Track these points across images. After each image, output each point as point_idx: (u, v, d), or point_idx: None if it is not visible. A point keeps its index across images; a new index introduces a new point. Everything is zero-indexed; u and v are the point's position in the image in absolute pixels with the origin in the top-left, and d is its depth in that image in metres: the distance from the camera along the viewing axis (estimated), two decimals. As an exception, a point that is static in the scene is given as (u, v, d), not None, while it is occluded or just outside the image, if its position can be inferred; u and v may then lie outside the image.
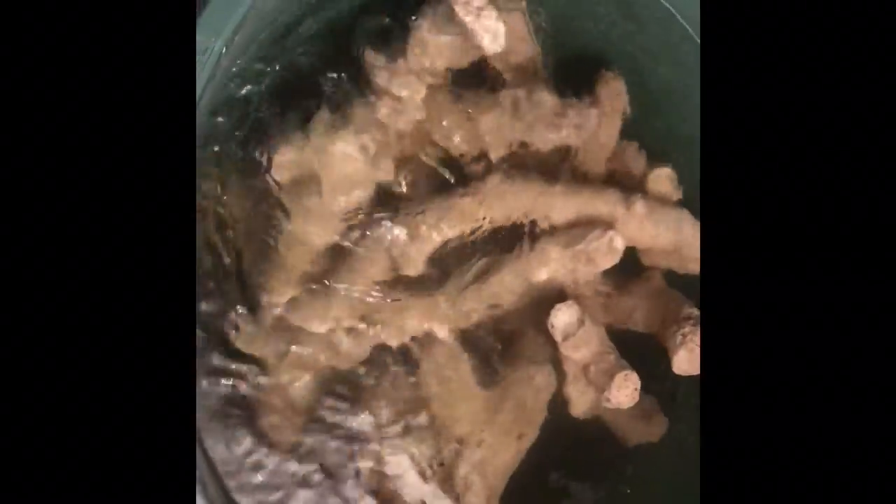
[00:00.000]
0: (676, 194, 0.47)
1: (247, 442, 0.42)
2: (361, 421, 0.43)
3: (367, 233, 0.43)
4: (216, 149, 0.42)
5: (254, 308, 0.43)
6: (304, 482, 0.42)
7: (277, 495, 0.41)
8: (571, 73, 0.48)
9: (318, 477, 0.42)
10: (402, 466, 0.43)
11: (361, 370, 0.44)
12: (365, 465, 0.43)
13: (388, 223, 0.43)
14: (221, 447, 0.41)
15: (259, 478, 0.41)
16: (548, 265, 0.44)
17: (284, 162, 0.42)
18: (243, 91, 0.43)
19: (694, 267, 0.47)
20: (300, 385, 0.43)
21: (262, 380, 0.42)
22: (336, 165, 0.42)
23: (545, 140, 0.45)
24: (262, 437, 0.42)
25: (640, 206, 0.44)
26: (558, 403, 0.45)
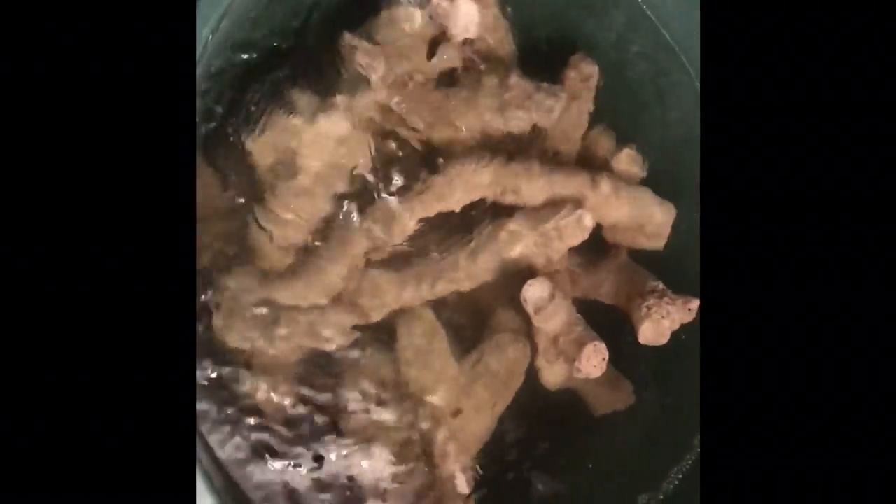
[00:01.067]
0: (641, 173, 0.49)
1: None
2: (341, 395, 0.45)
3: (347, 213, 0.44)
4: (201, 132, 0.42)
5: (233, 292, 0.44)
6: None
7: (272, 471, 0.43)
8: (543, 57, 0.49)
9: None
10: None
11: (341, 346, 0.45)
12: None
13: (365, 204, 0.44)
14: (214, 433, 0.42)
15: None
16: (520, 242, 0.45)
17: (266, 144, 0.43)
18: (228, 76, 0.43)
19: (657, 243, 0.49)
20: (281, 363, 0.44)
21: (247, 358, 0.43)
22: (316, 148, 0.43)
23: (516, 122, 0.46)
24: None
25: (606, 185, 0.46)
26: (529, 374, 0.47)
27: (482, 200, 0.46)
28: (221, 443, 0.42)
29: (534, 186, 0.46)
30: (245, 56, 0.44)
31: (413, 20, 0.42)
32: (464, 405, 0.45)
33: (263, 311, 0.44)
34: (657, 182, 0.49)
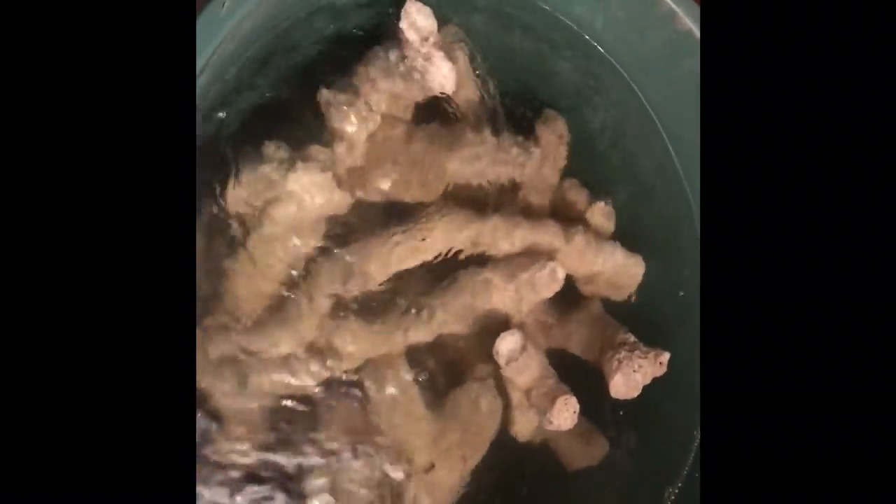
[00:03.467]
0: (612, 227, 0.50)
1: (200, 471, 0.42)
2: (312, 446, 0.44)
3: (321, 264, 0.44)
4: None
5: (205, 339, 0.43)
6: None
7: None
8: (517, 113, 0.50)
9: None
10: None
11: (312, 396, 0.45)
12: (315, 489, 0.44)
13: (340, 255, 0.44)
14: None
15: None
16: (493, 293, 0.45)
17: (242, 194, 0.43)
18: (208, 124, 0.43)
19: (625, 295, 0.50)
20: (252, 413, 0.44)
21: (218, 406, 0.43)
22: (291, 199, 0.42)
23: (490, 176, 0.47)
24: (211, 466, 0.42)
25: (579, 238, 0.47)
26: (502, 426, 0.47)
27: (456, 251, 0.46)
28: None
29: (507, 238, 0.46)
30: (225, 104, 0.44)
31: (389, 77, 0.43)
32: (435, 457, 0.45)
33: (235, 357, 0.43)
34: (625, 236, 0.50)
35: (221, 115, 0.44)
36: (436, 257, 0.46)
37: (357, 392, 0.45)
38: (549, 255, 0.46)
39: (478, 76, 0.49)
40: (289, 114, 0.45)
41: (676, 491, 0.50)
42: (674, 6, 0.49)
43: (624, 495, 0.49)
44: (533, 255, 0.46)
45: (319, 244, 0.44)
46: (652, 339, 0.46)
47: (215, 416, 0.43)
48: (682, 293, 0.52)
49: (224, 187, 0.43)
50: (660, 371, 0.45)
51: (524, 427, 0.47)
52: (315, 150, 0.43)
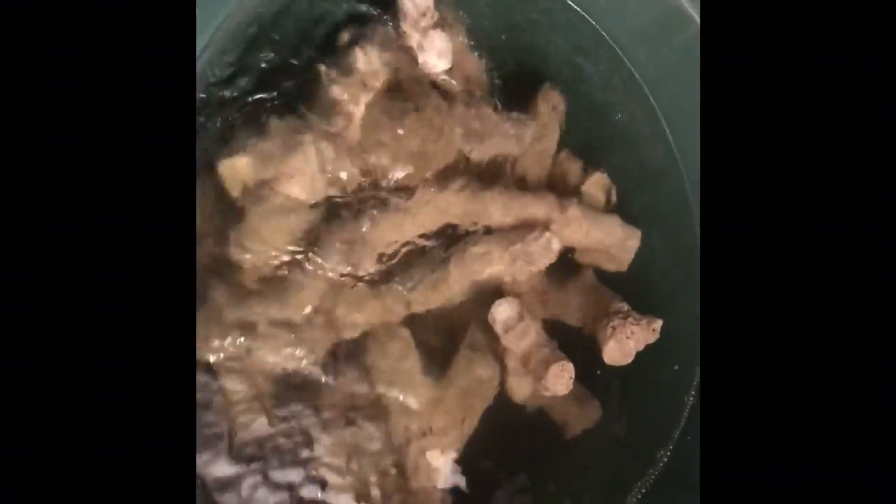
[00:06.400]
0: (609, 198, 0.51)
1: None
2: (313, 413, 0.45)
3: (319, 235, 0.45)
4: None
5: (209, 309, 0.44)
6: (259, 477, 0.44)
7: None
8: (513, 87, 0.51)
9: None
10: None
11: (316, 364, 0.46)
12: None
13: (339, 227, 0.45)
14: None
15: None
16: (490, 264, 0.46)
17: (237, 169, 0.44)
18: (207, 98, 0.44)
19: (621, 266, 0.51)
20: (255, 382, 0.45)
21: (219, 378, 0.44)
22: (290, 172, 0.43)
23: (487, 149, 0.48)
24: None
25: (574, 209, 0.48)
26: (499, 392, 0.48)
27: (454, 224, 0.47)
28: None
29: (503, 210, 0.47)
30: (224, 79, 0.45)
31: (386, 53, 0.44)
32: (435, 422, 0.46)
33: (240, 326, 0.44)
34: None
35: (224, 90, 0.45)
36: (434, 228, 0.47)
37: (359, 360, 0.46)
38: (545, 226, 0.47)
39: (473, 51, 0.49)
40: (289, 89, 0.46)
41: (668, 453, 0.51)
42: (663, -19, 0.50)
43: (618, 457, 0.51)
44: (529, 226, 0.47)
45: (320, 217, 0.45)
46: (646, 307, 0.47)
47: (217, 383, 0.44)
48: (674, 263, 0.53)
49: (221, 160, 0.43)
50: (652, 338, 0.46)
51: (521, 391, 0.48)
52: (315, 124, 0.44)
